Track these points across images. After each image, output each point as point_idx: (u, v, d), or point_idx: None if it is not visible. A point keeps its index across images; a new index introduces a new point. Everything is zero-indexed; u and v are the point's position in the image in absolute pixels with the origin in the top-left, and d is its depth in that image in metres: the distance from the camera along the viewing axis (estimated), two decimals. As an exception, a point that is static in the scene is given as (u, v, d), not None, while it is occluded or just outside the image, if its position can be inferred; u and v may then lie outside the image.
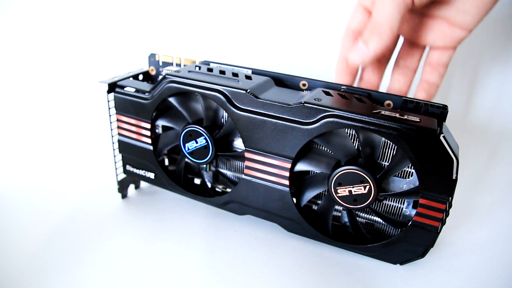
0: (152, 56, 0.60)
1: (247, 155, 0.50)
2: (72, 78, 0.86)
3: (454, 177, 0.40)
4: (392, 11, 0.44)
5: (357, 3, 0.51)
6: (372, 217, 0.50)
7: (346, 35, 0.52)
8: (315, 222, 0.51)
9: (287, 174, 0.48)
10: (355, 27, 0.51)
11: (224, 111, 0.51)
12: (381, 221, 0.50)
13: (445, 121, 0.45)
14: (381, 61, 0.54)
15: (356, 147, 0.47)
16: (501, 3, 0.72)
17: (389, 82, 0.56)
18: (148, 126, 0.55)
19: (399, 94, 0.53)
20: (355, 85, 0.55)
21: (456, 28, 0.48)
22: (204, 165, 0.56)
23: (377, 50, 0.46)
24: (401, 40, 0.54)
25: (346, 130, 0.46)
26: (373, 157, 0.46)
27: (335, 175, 0.45)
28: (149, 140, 0.56)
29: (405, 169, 0.46)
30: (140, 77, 0.60)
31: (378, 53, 0.46)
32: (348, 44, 0.51)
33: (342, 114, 0.43)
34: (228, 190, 0.57)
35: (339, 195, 0.46)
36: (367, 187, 0.44)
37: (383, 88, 0.55)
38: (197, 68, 0.54)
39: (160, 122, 0.56)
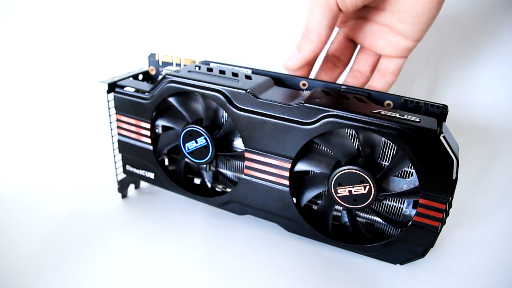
0: (152, 56, 0.60)
1: (247, 155, 0.50)
2: (72, 78, 0.86)
3: (454, 177, 0.40)
4: (319, 18, 0.46)
5: None
6: (372, 217, 0.50)
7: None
8: (315, 222, 0.51)
9: (287, 174, 0.48)
10: None
11: (224, 111, 0.51)
12: (381, 221, 0.50)
13: (445, 121, 0.45)
14: (336, 64, 0.57)
15: (356, 147, 0.47)
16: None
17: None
18: (148, 126, 0.55)
19: None
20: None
21: (400, 37, 0.50)
22: (204, 165, 0.56)
23: (307, 55, 0.49)
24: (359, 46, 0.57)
25: (346, 130, 0.46)
26: (373, 157, 0.46)
27: (335, 175, 0.45)
28: (149, 140, 0.56)
29: (405, 169, 0.46)
30: (140, 77, 0.60)
31: (308, 58, 0.49)
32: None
33: (342, 114, 0.43)
34: (228, 190, 0.57)
35: (339, 195, 0.46)
36: (367, 187, 0.44)
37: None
38: (197, 68, 0.54)
39: (160, 122, 0.56)
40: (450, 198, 0.42)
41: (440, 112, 0.45)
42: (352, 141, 0.47)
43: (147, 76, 0.61)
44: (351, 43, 0.57)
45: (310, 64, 0.54)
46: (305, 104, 0.44)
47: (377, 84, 0.54)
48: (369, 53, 0.55)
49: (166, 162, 0.62)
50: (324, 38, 0.47)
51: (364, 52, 0.56)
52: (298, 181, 0.51)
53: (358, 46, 0.57)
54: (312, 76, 0.58)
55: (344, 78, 0.58)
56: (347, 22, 0.54)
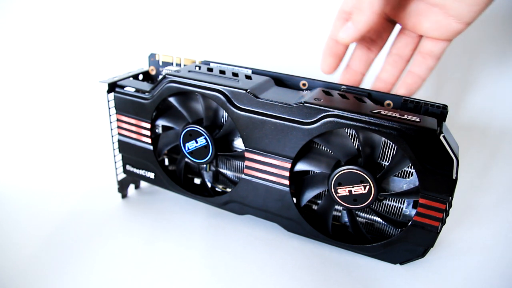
0: (152, 56, 0.60)
1: (247, 155, 0.50)
2: (72, 78, 0.86)
3: (454, 177, 0.40)
4: None
5: None
6: (372, 217, 0.50)
7: (338, 17, 0.51)
8: (315, 222, 0.51)
9: (287, 174, 0.48)
10: (347, 8, 0.50)
11: (224, 111, 0.51)
12: (381, 221, 0.50)
13: (445, 121, 0.45)
14: (370, 48, 0.53)
15: (356, 147, 0.47)
16: (501, 1, 0.72)
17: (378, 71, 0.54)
18: (148, 126, 0.55)
19: (386, 85, 0.52)
20: (340, 72, 0.55)
21: (451, 19, 0.46)
22: (204, 165, 0.56)
23: (361, 28, 0.46)
24: (397, 28, 0.53)
25: (346, 130, 0.46)
26: (373, 157, 0.46)
27: (335, 175, 0.45)
28: (149, 140, 0.56)
29: (405, 169, 0.46)
30: (140, 77, 0.60)
31: (362, 31, 0.46)
32: (339, 25, 0.50)
33: (342, 114, 0.43)
34: (228, 190, 0.57)
35: (339, 195, 0.46)
36: (367, 187, 0.44)
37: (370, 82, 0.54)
38: (197, 68, 0.54)
39: (160, 122, 0.56)
40: (450, 198, 0.42)
41: (440, 112, 0.45)
42: (352, 141, 0.47)
43: (147, 76, 0.61)
44: (389, 24, 0.53)
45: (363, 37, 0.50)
46: (305, 104, 0.44)
47: (418, 69, 0.50)
48: (411, 35, 0.51)
49: (166, 162, 0.62)
50: (377, 8, 0.44)
51: (405, 34, 0.51)
52: (298, 181, 0.51)
53: (397, 27, 0.53)
54: (344, 63, 0.54)
55: (382, 66, 0.54)
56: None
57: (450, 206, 0.42)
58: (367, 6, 0.45)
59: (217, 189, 0.59)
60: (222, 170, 0.58)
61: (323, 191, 0.51)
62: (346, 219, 0.51)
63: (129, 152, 0.58)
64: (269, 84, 0.51)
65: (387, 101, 0.48)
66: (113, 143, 0.58)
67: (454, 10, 0.45)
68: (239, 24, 0.82)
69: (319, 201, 0.53)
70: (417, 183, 0.44)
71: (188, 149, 0.53)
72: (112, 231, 0.54)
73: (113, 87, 0.55)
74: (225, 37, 0.83)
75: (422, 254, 0.46)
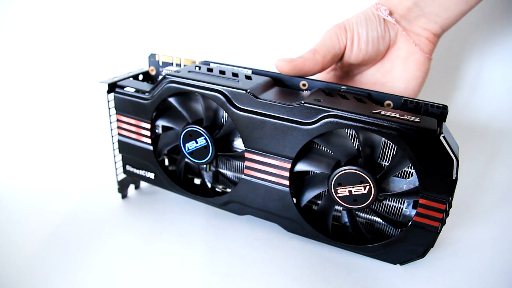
0: (152, 56, 0.60)
1: (247, 155, 0.50)
2: (72, 78, 0.86)
3: (454, 177, 0.40)
4: (323, 53, 0.52)
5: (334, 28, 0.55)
6: (372, 217, 0.50)
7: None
8: (315, 222, 0.51)
9: (287, 174, 0.48)
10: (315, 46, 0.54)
11: (224, 111, 0.51)
12: (381, 221, 0.50)
13: (445, 121, 0.45)
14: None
15: (356, 147, 0.47)
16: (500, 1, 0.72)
17: None
18: (148, 126, 0.55)
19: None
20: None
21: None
22: (204, 165, 0.56)
23: (295, 72, 0.52)
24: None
25: (346, 130, 0.46)
26: (373, 157, 0.46)
27: (335, 175, 0.45)
28: (149, 140, 0.56)
29: (405, 169, 0.46)
30: (140, 77, 0.60)
31: (297, 68, 0.51)
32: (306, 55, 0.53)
33: (342, 114, 0.43)
34: (228, 190, 0.57)
35: (339, 195, 0.46)
36: (367, 187, 0.44)
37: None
38: (197, 68, 0.54)
39: (160, 122, 0.56)
40: (450, 198, 0.42)
41: (440, 112, 0.45)
42: (352, 141, 0.47)
43: (147, 77, 0.61)
44: None
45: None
46: (305, 104, 0.44)
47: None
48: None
49: (166, 162, 0.62)
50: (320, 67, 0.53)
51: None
52: (298, 181, 0.51)
53: None
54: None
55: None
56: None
57: (450, 206, 0.42)
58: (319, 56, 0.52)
59: (217, 189, 0.59)
60: (222, 171, 0.58)
61: (323, 192, 0.51)
62: (346, 219, 0.51)
63: (129, 152, 0.58)
64: (269, 84, 0.51)
65: (387, 101, 0.48)
66: (113, 143, 0.58)
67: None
68: (239, 24, 0.82)
69: (319, 201, 0.53)
70: (417, 183, 0.44)
71: (188, 149, 0.53)
72: (112, 231, 0.54)
73: (113, 87, 0.55)
74: (225, 37, 0.83)
75: (422, 254, 0.46)
